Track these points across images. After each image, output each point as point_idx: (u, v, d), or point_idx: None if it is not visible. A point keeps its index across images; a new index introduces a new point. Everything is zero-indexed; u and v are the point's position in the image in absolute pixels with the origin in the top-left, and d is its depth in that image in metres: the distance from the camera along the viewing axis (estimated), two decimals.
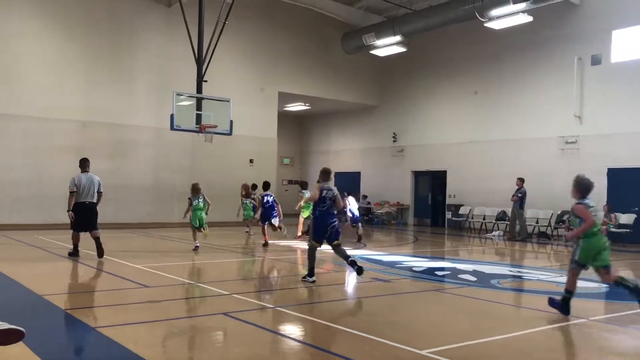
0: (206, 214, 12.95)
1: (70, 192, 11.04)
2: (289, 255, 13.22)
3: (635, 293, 6.76)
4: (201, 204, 12.84)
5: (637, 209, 16.79)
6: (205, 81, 17.81)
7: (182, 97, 16.91)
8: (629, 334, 6.40)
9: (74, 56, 18.23)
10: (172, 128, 16.26)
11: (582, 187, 6.87)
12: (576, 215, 6.78)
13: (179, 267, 10.28)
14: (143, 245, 15.12)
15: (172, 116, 16.08)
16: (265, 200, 14.44)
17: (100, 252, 10.87)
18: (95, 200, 11.11)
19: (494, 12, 17.92)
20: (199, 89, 17.61)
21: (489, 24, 18.64)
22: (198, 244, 12.82)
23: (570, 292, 6.92)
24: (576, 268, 6.91)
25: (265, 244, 14.00)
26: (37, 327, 5.59)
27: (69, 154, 17.97)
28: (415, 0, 20.98)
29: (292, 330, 6.26)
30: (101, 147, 18.60)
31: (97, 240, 10.87)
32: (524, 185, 18.00)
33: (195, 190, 12.91)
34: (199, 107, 16.99)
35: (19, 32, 17.25)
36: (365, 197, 25.55)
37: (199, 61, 17.81)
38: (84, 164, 11.33)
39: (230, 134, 17.31)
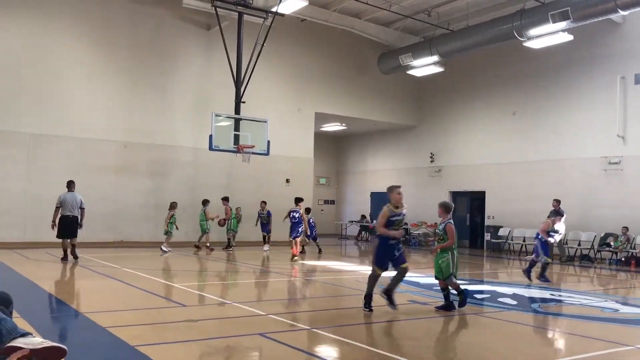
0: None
1: (55, 207, 13.44)
2: (324, 276, 13.16)
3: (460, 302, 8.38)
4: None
5: None
6: (244, 102, 18.11)
7: (220, 117, 17.22)
8: None
9: (116, 78, 18.74)
10: (210, 148, 16.53)
11: (447, 209, 8.50)
12: (445, 232, 8.36)
13: (215, 287, 10.35)
14: (181, 264, 15.29)
15: (210, 137, 16.37)
16: (292, 216, 14.97)
17: (75, 256, 13.59)
18: (77, 214, 13.47)
19: (533, 31, 17.71)
20: (237, 110, 17.90)
21: (528, 44, 18.42)
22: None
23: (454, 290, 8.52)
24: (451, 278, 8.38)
25: (293, 258, 14.40)
26: (78, 344, 5.67)
27: (110, 173, 18.43)
28: (453, 20, 20.93)
29: (328, 352, 6.20)
30: (141, 166, 18.99)
31: (73, 247, 13.59)
32: (560, 206, 17.61)
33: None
34: (237, 127, 17.26)
35: (62, 54, 17.85)
36: None
37: (237, 83, 18.12)
38: (69, 185, 13.71)
39: (267, 154, 17.49)
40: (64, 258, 13.55)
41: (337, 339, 6.53)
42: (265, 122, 17.63)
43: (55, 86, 17.61)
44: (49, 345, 2.07)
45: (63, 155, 17.63)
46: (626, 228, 17.08)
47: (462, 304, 8.46)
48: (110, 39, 18.62)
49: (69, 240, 13.59)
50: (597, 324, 8.11)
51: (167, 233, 16.95)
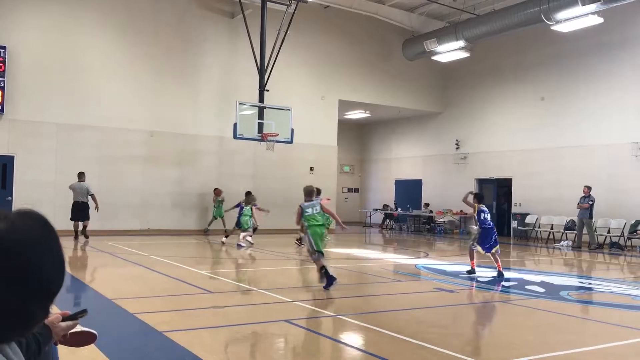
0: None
1: None
2: (348, 263, 13.15)
3: (328, 279, 8.69)
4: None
5: None
6: (267, 90, 18.10)
7: (244, 106, 17.25)
8: None
9: (140, 67, 18.87)
10: (235, 137, 16.58)
11: (309, 193, 9.36)
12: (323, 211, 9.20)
13: (241, 274, 10.42)
14: (207, 252, 15.43)
15: (235, 125, 16.41)
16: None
17: (85, 236, 15.67)
18: (86, 200, 15.73)
19: (561, 14, 17.31)
20: (261, 98, 17.91)
21: (555, 27, 18.01)
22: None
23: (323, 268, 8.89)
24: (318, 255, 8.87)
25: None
26: (107, 330, 5.77)
27: (137, 162, 18.64)
28: (479, 4, 20.58)
29: (354, 339, 6.20)
30: (167, 156, 19.15)
31: (84, 227, 15.77)
32: (591, 193, 17.36)
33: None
34: (260, 116, 17.28)
35: (89, 44, 18.02)
36: (427, 205, 25.19)
37: (261, 71, 18.12)
38: (79, 176, 15.83)
39: (291, 142, 17.49)
40: (75, 237, 15.48)
41: (363, 326, 6.52)
42: (289, 110, 17.61)
43: (81, 76, 17.81)
44: (79, 330, 2.09)
45: (90, 145, 17.87)
46: None
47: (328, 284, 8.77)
48: (135, 29, 18.75)
49: (80, 222, 15.72)
50: (627, 312, 7.96)
51: (246, 227, 15.57)
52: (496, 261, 10.68)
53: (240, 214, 15.44)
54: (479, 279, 10.71)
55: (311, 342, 5.82)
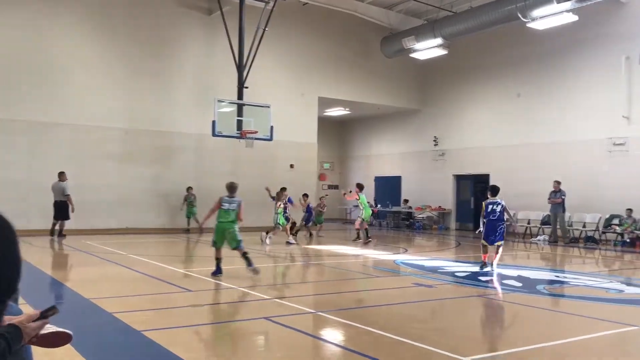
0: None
1: None
2: (329, 260, 13.19)
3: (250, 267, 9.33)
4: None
5: None
6: (246, 88, 18.05)
7: (223, 103, 17.18)
8: None
9: (116, 64, 18.67)
10: (213, 134, 16.51)
11: (230, 188, 9.64)
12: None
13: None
14: (185, 250, 15.35)
15: (213, 122, 16.33)
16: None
17: (59, 234, 15.89)
18: (64, 200, 15.76)
19: (537, 12, 17.52)
20: (240, 96, 17.85)
21: (531, 25, 18.24)
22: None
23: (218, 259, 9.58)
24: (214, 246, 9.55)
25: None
26: (85, 330, 5.72)
27: (113, 160, 18.45)
28: (456, 2, 20.73)
29: (334, 335, 6.24)
30: (143, 153, 18.98)
31: (61, 226, 15.95)
32: (561, 187, 17.85)
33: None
34: (239, 113, 17.23)
35: (61, 41, 17.74)
36: (406, 201, 25.35)
37: (240, 68, 18.06)
38: (59, 175, 15.94)
39: (270, 139, 17.46)
40: (51, 234, 15.88)
41: (342, 322, 6.55)
42: (268, 107, 17.57)
43: (55, 73, 17.54)
44: (54, 330, 2.07)
45: (64, 143, 17.62)
46: (630, 210, 17.03)
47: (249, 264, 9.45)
48: (111, 25, 18.53)
49: (58, 221, 15.95)
50: (601, 305, 8.12)
51: (276, 225, 15.72)
52: (496, 253, 10.90)
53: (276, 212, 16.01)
54: (456, 274, 10.83)
55: (291, 339, 5.83)
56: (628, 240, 16.95)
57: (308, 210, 18.03)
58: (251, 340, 5.92)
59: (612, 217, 17.80)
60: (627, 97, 18.00)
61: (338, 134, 30.43)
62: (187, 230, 18.86)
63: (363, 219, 16.40)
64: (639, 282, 10.69)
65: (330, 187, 29.16)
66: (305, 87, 22.29)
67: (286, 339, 5.84)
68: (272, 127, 17.21)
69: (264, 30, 18.13)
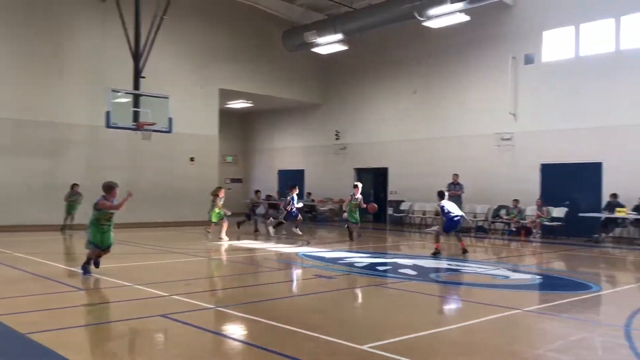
0: None
1: None
2: (232, 254, 13.05)
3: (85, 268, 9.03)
4: None
5: (568, 202, 17.49)
6: (143, 77, 17.41)
7: (119, 94, 16.45)
8: (560, 322, 6.64)
9: (5, 53, 17.41)
10: (107, 126, 15.79)
11: (106, 187, 9.10)
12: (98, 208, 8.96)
13: (116, 269, 9.96)
14: (78, 247, 14.59)
15: (107, 114, 15.62)
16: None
17: None
18: None
19: (432, 11, 18.25)
20: (137, 86, 17.19)
21: (427, 23, 18.98)
22: None
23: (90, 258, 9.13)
24: (93, 248, 9.02)
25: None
26: None
27: (2, 153, 17.22)
28: None
29: (234, 330, 6.18)
30: (35, 146, 17.87)
31: None
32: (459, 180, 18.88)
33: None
34: (136, 104, 16.58)
35: None
36: (309, 194, 25.58)
37: (136, 57, 17.38)
38: None
39: (169, 131, 16.97)
40: None
41: (242, 317, 6.51)
42: (167, 98, 17.03)
43: None
44: None
45: None
46: (517, 200, 18.22)
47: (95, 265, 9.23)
48: None
49: None
50: (489, 291, 8.62)
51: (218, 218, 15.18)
52: (460, 240, 12.79)
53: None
54: (356, 264, 11.09)
55: (188, 336, 5.71)
56: (514, 229, 18.12)
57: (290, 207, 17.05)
58: (146, 339, 5.73)
59: (500, 207, 18.95)
60: (513, 95, 19.20)
61: (241, 126, 30.16)
62: (63, 228, 17.55)
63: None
64: (523, 269, 11.46)
65: (233, 180, 28.86)
66: (205, 78, 21.86)
67: (183, 336, 5.71)
68: (171, 119, 16.71)
69: (162, 18, 17.53)
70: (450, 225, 12.56)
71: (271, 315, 6.48)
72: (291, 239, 16.17)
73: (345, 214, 15.93)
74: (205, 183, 21.49)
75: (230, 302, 7.44)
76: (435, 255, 12.36)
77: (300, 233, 16.84)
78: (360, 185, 16.06)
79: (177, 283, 8.73)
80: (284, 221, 16.98)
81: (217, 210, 14.99)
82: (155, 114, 16.38)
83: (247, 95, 24.26)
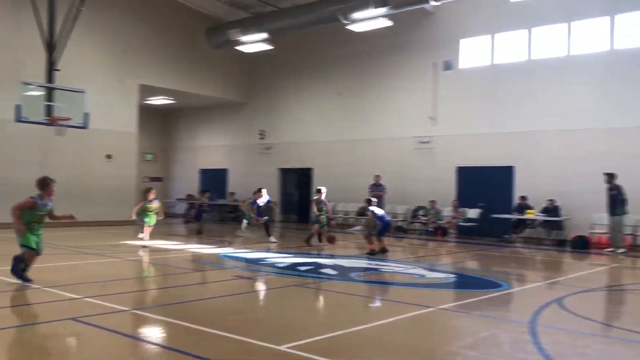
0: None
1: None
2: (149, 255, 12.69)
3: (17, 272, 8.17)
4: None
5: (482, 204, 18.25)
6: (58, 70, 16.61)
7: (30, 86, 15.61)
8: (471, 319, 6.92)
9: None
10: (17, 120, 14.95)
11: (40, 184, 8.20)
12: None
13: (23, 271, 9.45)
14: None
15: (17, 107, 14.77)
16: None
17: None
18: None
19: (356, 15, 18.50)
20: (50, 79, 16.38)
21: (351, 27, 19.24)
22: None
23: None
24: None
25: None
26: None
27: None
28: None
29: (149, 333, 6.01)
30: None
31: None
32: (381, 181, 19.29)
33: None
34: (49, 97, 15.79)
35: None
36: (232, 194, 25.31)
37: (50, 49, 16.57)
38: None
39: (85, 127, 16.27)
40: None
41: (159, 319, 6.35)
42: (83, 92, 16.33)
43: None
44: None
45: None
46: (434, 201, 18.83)
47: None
48: None
49: None
50: (407, 289, 8.86)
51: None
52: (380, 241, 13.02)
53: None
54: (277, 264, 11.08)
55: (101, 340, 5.49)
56: (431, 230, 18.71)
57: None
58: (55, 343, 5.47)
59: (418, 208, 19.51)
60: (432, 100, 19.82)
61: (162, 123, 29.39)
62: None
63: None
64: (439, 268, 11.86)
65: (152, 179, 28.10)
66: (125, 73, 21.13)
67: (95, 340, 5.49)
68: (87, 114, 16.02)
69: (79, 9, 16.80)
70: (386, 227, 13.11)
71: (188, 318, 6.36)
72: (211, 239, 15.94)
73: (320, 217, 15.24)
74: (123, 181, 20.85)
75: (147, 305, 7.24)
76: (372, 255, 12.58)
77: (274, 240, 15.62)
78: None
79: (90, 285, 8.39)
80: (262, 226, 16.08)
81: (149, 212, 13.71)
82: (70, 108, 15.66)
83: (169, 91, 23.66)
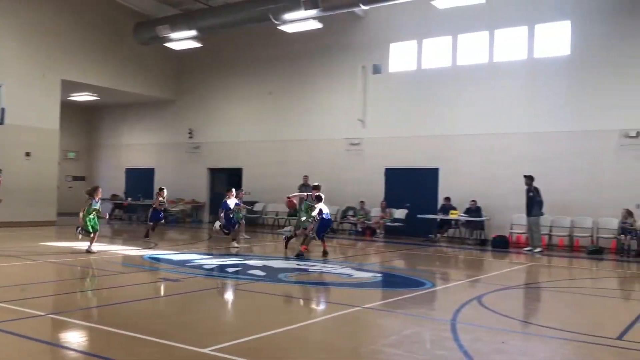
0: None
1: None
2: (68, 257, 12.21)
3: None
4: None
5: (408, 204, 18.71)
6: None
7: None
8: (395, 317, 7.09)
9: None
10: None
11: None
12: None
13: None
14: None
15: None
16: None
17: None
18: None
19: (287, 16, 18.50)
20: None
21: (281, 27, 19.25)
22: None
23: None
24: None
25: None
26: None
27: None
28: None
29: (69, 338, 5.79)
30: None
31: None
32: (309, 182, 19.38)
33: None
34: None
35: None
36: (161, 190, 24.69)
37: None
38: None
39: (1, 123, 15.50)
40: None
41: (79, 324, 6.13)
42: (0, 86, 15.55)
43: None
44: None
45: None
46: (363, 202, 19.14)
47: None
48: None
49: None
50: (334, 289, 8.97)
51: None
52: (323, 242, 12.94)
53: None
54: (204, 266, 10.93)
55: (13, 346, 5.24)
56: (360, 230, 19.01)
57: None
58: None
59: (348, 209, 19.77)
60: (362, 102, 20.13)
61: (85, 120, 28.35)
62: None
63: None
64: (366, 267, 12.06)
65: (75, 178, 27.07)
66: (46, 67, 20.21)
67: (7, 347, 5.23)
68: (3, 109, 15.28)
69: None
70: (325, 227, 12.90)
71: (110, 322, 6.17)
72: (137, 240, 15.54)
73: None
74: (43, 180, 19.99)
75: (67, 309, 6.96)
76: (299, 257, 12.39)
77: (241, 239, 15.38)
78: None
79: (8, 289, 7.98)
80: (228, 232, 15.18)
81: (91, 216, 12.62)
82: None
83: (93, 87, 22.82)
